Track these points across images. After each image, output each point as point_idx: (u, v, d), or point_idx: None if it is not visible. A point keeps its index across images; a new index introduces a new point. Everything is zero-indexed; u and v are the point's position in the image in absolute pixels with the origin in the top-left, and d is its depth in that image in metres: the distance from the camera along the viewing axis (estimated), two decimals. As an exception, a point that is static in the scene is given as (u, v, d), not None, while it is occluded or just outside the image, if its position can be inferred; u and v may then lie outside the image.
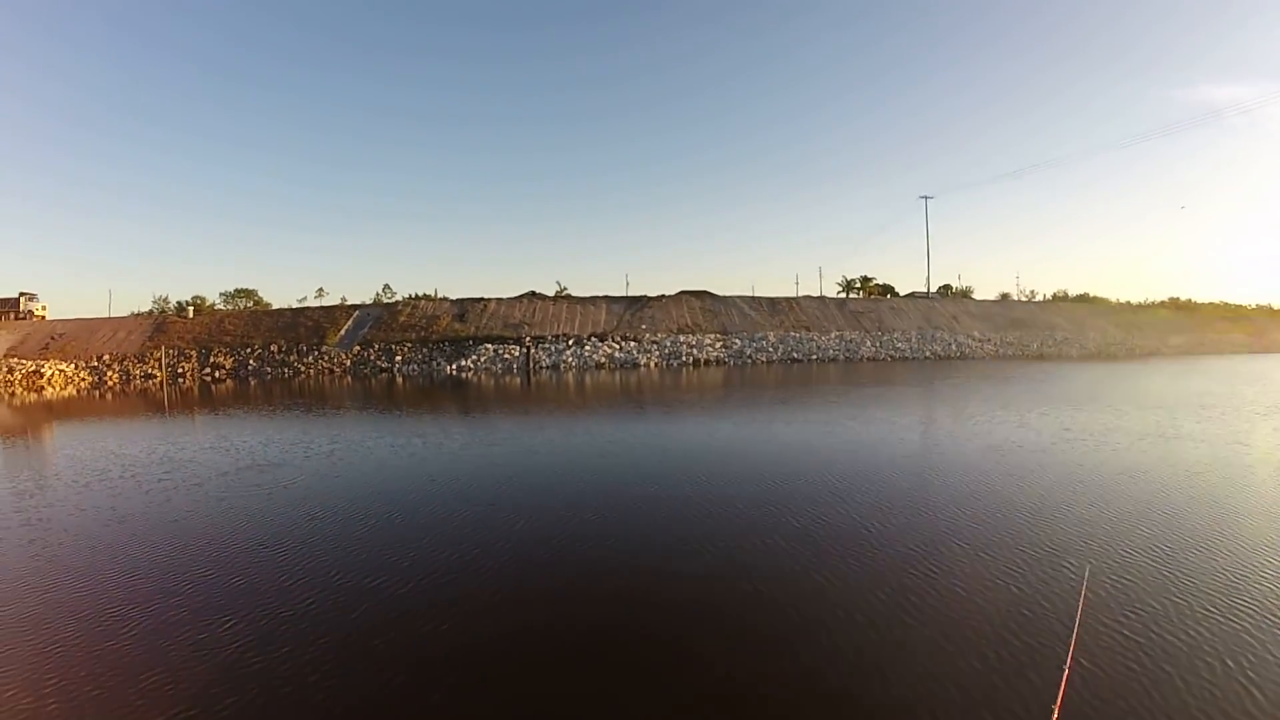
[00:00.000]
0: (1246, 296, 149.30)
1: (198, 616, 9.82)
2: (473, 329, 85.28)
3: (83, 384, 65.75)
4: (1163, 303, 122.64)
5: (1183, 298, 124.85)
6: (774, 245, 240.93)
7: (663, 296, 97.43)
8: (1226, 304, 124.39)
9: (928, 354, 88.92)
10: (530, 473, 20.22)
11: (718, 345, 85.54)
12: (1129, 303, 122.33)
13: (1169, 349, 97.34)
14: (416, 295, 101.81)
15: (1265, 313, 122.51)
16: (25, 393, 58.50)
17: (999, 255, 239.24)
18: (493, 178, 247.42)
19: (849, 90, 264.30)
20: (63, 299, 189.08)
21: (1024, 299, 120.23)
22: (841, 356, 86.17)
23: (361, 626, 9.54)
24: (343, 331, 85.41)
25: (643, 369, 75.18)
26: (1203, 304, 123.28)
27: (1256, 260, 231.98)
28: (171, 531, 14.40)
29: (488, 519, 15.12)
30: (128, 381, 68.65)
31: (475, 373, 73.34)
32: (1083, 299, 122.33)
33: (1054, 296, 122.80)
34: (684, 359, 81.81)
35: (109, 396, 54.32)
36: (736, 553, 12.49)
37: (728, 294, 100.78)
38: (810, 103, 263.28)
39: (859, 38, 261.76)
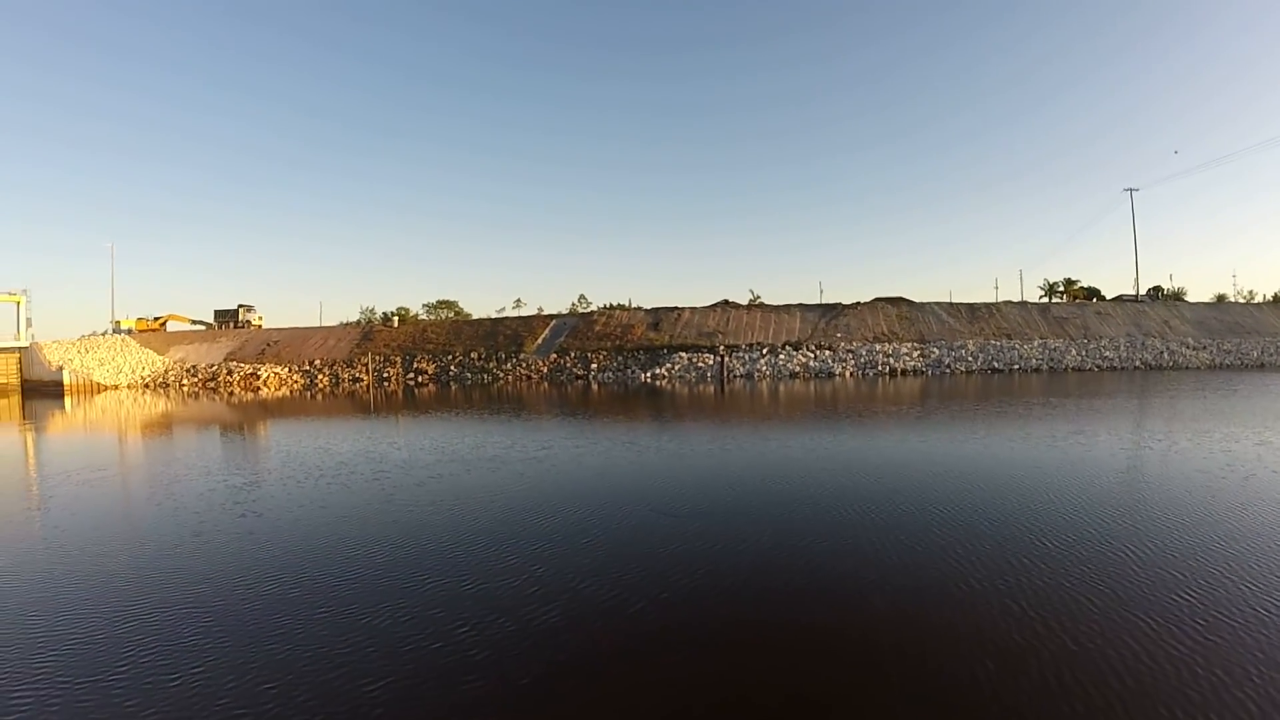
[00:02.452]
0: None
1: (423, 617, 9.60)
2: (666, 337, 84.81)
3: (295, 386, 69.22)
4: None
5: None
6: (971, 248, 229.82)
7: (858, 304, 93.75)
8: None
9: (1137, 363, 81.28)
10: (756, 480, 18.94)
11: (915, 354, 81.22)
12: None
13: None
14: (611, 305, 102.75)
15: None
16: (243, 392, 62.15)
17: (1213, 251, 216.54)
18: (684, 190, 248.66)
19: (1052, 94, 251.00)
20: (278, 311, 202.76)
21: (1242, 300, 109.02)
22: (1045, 366, 79.89)
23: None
24: (540, 340, 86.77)
25: (838, 379, 72.37)
26: None
27: None
28: (392, 529, 14.35)
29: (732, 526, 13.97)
30: (337, 384, 71.87)
31: (669, 381, 72.43)
32: None
33: (1275, 298, 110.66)
34: (880, 368, 78.01)
35: (319, 397, 56.81)
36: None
37: (924, 300, 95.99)
38: (1012, 105, 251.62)
39: (1060, 35, 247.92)
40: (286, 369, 75.57)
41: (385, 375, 76.62)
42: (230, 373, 73.82)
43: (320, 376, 74.97)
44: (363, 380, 73.60)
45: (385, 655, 8.30)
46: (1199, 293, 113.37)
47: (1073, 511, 15.43)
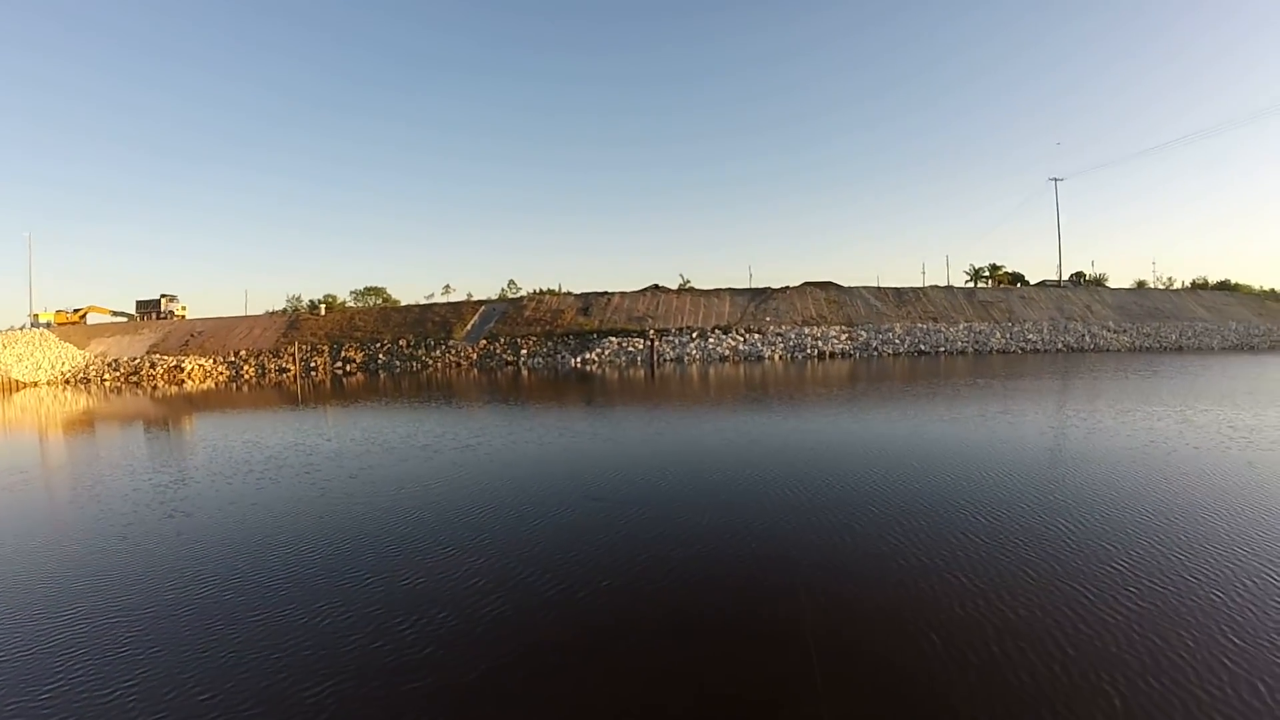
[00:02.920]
0: None
1: (363, 615, 9.58)
2: (596, 322, 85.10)
3: (220, 377, 68.03)
4: None
5: None
6: (899, 234, 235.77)
7: (786, 288, 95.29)
8: None
9: (1060, 346, 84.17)
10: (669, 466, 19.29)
11: (843, 337, 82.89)
12: (1272, 290, 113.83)
13: None
14: (541, 290, 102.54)
15: None
16: (167, 386, 60.82)
17: (1134, 240, 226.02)
18: (614, 171, 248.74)
19: (976, 73, 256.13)
20: (202, 300, 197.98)
21: (1161, 286, 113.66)
22: (971, 349, 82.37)
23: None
24: (469, 326, 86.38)
25: (767, 361, 73.42)
26: None
27: None
28: (326, 524, 14.18)
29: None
30: (263, 375, 70.80)
31: (599, 365, 72.85)
32: (1223, 286, 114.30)
33: (1193, 284, 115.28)
34: (809, 351, 79.48)
35: (245, 389, 55.80)
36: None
37: (853, 284, 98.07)
38: (937, 88, 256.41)
39: (988, 21, 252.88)
40: (211, 361, 74.20)
41: (312, 365, 75.71)
42: (153, 366, 72.13)
43: (246, 367, 73.76)
44: (289, 370, 72.65)
45: (327, 657, 8.34)
46: (1120, 279, 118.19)
47: (1005, 487, 16.13)
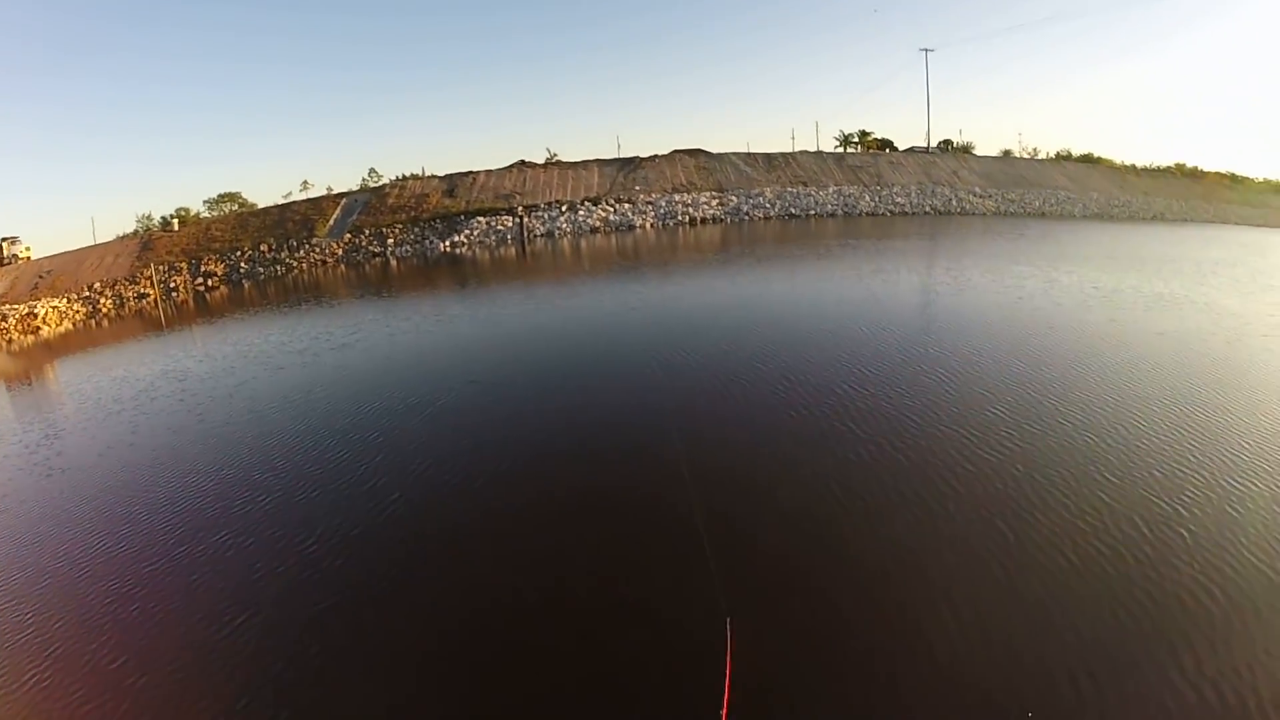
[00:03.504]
0: (1255, 170, 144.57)
1: (267, 537, 9.83)
2: (463, 204, 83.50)
3: (78, 316, 64.90)
4: (1167, 168, 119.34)
5: (1189, 165, 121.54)
6: (770, 101, 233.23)
7: (655, 156, 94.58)
8: (1234, 175, 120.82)
9: (927, 209, 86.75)
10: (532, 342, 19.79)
11: (714, 203, 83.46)
12: (1133, 165, 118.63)
13: (1171, 214, 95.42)
14: (404, 176, 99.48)
15: (1270, 186, 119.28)
16: (22, 336, 57.77)
17: (1001, 112, 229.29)
18: (474, 42, 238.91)
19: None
20: (48, 238, 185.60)
21: (1026, 156, 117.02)
22: (840, 212, 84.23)
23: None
24: (331, 221, 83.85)
25: (638, 230, 73.98)
26: (1209, 173, 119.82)
27: (1266, 132, 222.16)
28: (211, 451, 14.21)
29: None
30: (122, 305, 67.84)
31: (469, 248, 72.14)
32: (1086, 159, 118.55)
33: (1057, 155, 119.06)
34: (680, 218, 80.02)
35: (106, 324, 53.94)
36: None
37: (723, 151, 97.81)
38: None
39: None
40: (65, 300, 70.57)
41: (172, 286, 72.78)
42: (4, 318, 68.44)
43: (103, 301, 70.29)
44: (149, 295, 69.78)
45: (239, 587, 8.53)
46: (987, 148, 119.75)
47: (884, 342, 17.28)
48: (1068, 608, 7.23)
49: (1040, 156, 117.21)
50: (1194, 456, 10.46)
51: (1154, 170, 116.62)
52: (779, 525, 8.74)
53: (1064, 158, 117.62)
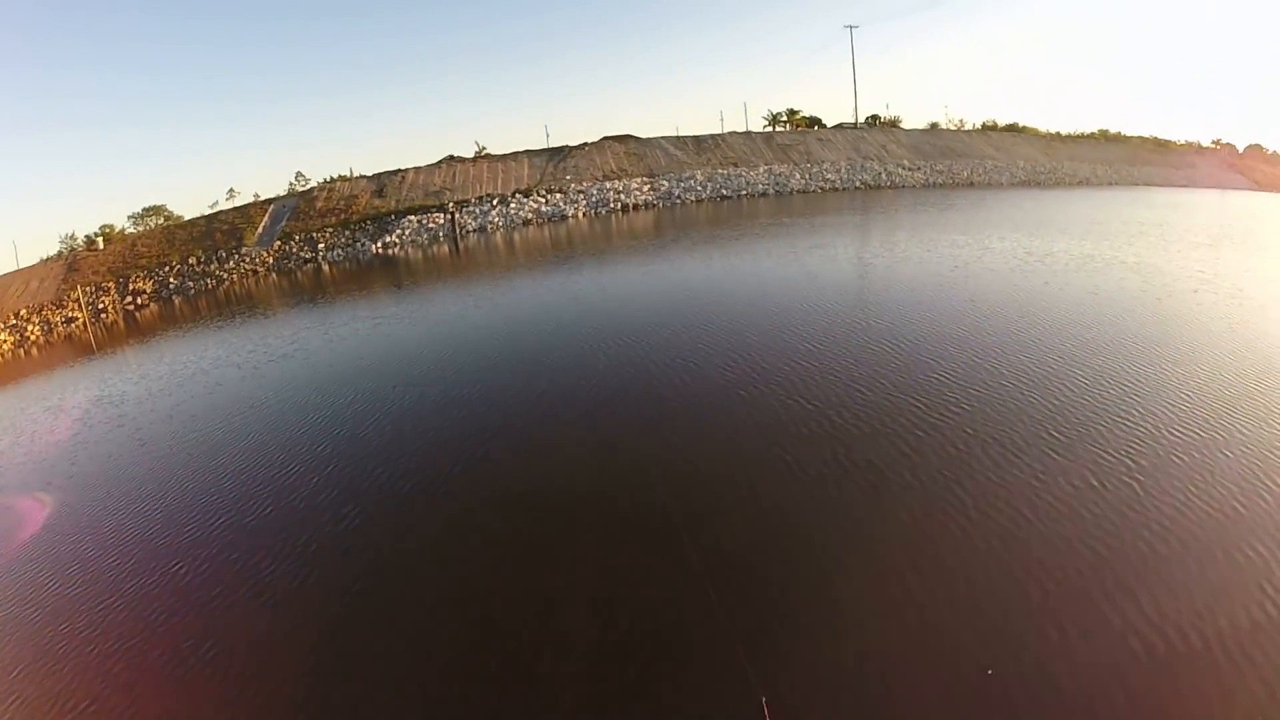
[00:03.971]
0: (1176, 133, 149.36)
1: (220, 563, 9.64)
2: (393, 203, 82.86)
3: (4, 346, 63.41)
4: (1092, 134, 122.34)
5: (1112, 130, 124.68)
6: (697, 84, 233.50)
7: (585, 145, 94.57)
8: (1156, 139, 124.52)
9: (858, 184, 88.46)
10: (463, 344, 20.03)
11: (645, 189, 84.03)
12: (1058, 133, 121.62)
13: (1097, 179, 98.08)
14: (332, 178, 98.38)
15: (1192, 149, 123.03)
16: (-54, 369, 56.49)
17: (927, 86, 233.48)
18: (393, 38, 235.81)
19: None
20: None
21: (953, 128, 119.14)
22: (771, 191, 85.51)
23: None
24: (260, 229, 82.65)
25: (571, 220, 74.37)
26: (1132, 137, 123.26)
27: (1187, 97, 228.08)
28: (155, 480, 13.74)
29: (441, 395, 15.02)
30: (50, 331, 66.31)
31: (401, 247, 71.80)
32: (1012, 128, 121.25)
33: (983, 126, 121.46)
34: (612, 205, 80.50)
35: (35, 352, 52.61)
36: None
37: (652, 135, 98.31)
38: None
39: None
40: (-12, 329, 69.15)
41: (101, 307, 71.39)
42: (-74, 353, 66.55)
43: (30, 328, 68.66)
44: (78, 319, 68.44)
45: (198, 617, 8.47)
46: (914, 122, 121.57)
47: (826, 316, 17.92)
48: (1029, 562, 7.73)
49: (967, 128, 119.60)
50: (1137, 409, 11.29)
51: (1078, 137, 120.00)
52: (741, 506, 9.09)
53: (990, 128, 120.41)
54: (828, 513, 8.69)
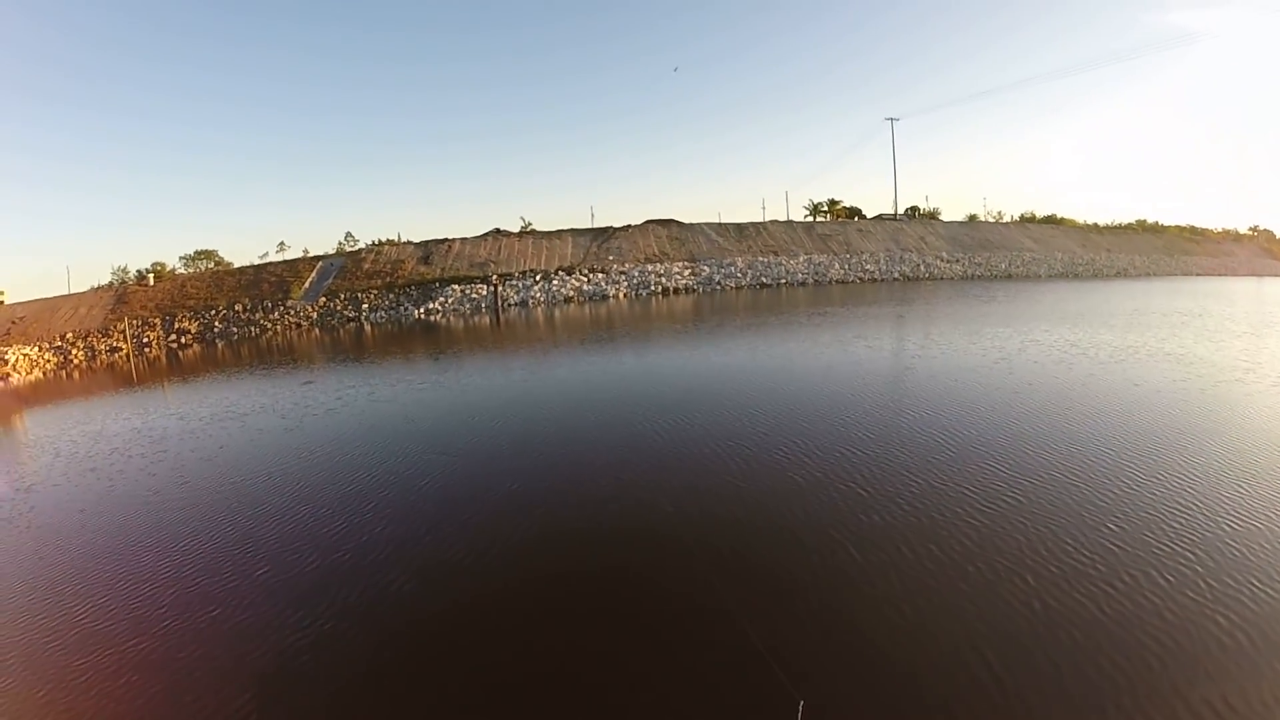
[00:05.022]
0: (1212, 220, 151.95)
1: (259, 610, 9.48)
2: (438, 271, 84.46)
3: (49, 365, 64.58)
4: (1129, 225, 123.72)
5: (1149, 220, 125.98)
6: (740, 172, 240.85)
7: (629, 227, 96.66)
8: (1193, 227, 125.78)
9: (896, 275, 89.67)
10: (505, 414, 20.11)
11: (686, 273, 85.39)
12: (1095, 224, 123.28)
13: (1134, 270, 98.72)
14: (380, 241, 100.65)
15: (1229, 236, 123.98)
16: (-9, 380, 57.59)
17: (966, 178, 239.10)
18: (450, 115, 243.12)
19: (815, 15, 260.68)
20: (21, 283, 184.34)
21: (991, 220, 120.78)
22: (810, 280, 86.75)
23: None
24: (307, 284, 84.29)
25: (612, 300, 75.29)
26: (1169, 226, 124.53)
27: (1222, 185, 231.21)
28: (194, 520, 13.55)
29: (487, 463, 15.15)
30: (94, 358, 67.62)
31: (444, 315, 72.97)
32: (1049, 220, 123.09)
33: (1021, 218, 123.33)
34: (653, 288, 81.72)
35: (77, 375, 53.47)
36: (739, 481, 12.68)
37: (694, 221, 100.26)
38: (775, 28, 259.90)
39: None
40: (36, 348, 70.28)
41: (145, 340, 72.82)
42: (-27, 364, 67.86)
43: (75, 352, 69.98)
44: (122, 349, 69.73)
45: (234, 667, 8.17)
46: (953, 214, 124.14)
47: (879, 405, 18.05)
48: (1097, 655, 7.56)
49: (1005, 219, 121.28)
50: (1195, 500, 11.21)
51: (1116, 228, 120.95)
52: (797, 597, 8.96)
53: (1028, 220, 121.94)
54: (890, 606, 8.58)
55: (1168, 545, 9.75)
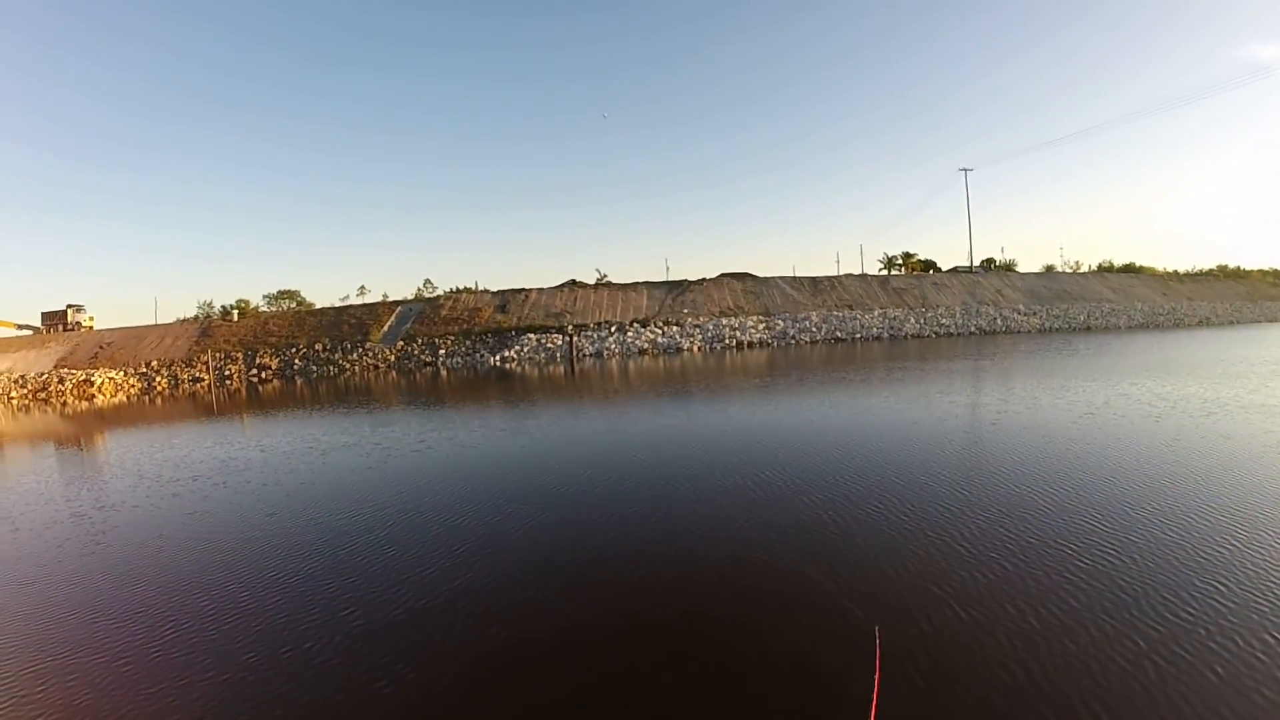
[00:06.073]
0: None
1: (359, 649, 8.90)
2: (514, 320, 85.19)
3: (132, 390, 66.32)
4: (1211, 270, 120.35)
5: (1231, 264, 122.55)
6: (814, 225, 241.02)
7: (703, 280, 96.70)
8: (1276, 271, 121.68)
9: (972, 329, 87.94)
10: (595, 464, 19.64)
11: (760, 327, 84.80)
12: (1175, 272, 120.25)
13: (1217, 318, 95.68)
14: (458, 289, 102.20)
15: None
16: (76, 401, 58.97)
17: (1042, 227, 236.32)
18: (528, 167, 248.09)
19: (888, 65, 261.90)
20: (110, 310, 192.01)
21: (1069, 270, 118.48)
22: (886, 334, 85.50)
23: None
24: (386, 327, 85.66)
25: (686, 353, 74.81)
26: (1252, 270, 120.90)
27: None
28: (278, 553, 13.11)
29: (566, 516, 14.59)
30: (176, 386, 69.31)
31: (519, 363, 73.15)
32: (1128, 269, 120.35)
33: (1099, 267, 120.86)
34: (727, 342, 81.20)
35: (158, 401, 54.61)
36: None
37: (768, 275, 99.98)
38: (848, 79, 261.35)
39: (896, 16, 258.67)
40: (122, 373, 72.09)
41: (227, 373, 74.39)
42: (62, 381, 69.46)
43: (158, 379, 72.01)
44: (203, 380, 71.24)
45: (316, 710, 7.68)
46: (1029, 264, 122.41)
47: (969, 461, 17.26)
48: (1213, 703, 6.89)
49: (1083, 270, 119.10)
50: None
51: (1196, 274, 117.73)
52: (907, 661, 8.23)
53: (1106, 269, 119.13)
54: (1000, 667, 7.86)
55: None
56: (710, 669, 8.08)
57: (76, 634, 9.74)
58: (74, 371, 72.28)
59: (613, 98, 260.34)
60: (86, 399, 59.44)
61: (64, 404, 56.14)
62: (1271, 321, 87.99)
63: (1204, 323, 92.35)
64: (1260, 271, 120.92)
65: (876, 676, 7.01)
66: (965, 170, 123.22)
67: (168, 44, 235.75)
